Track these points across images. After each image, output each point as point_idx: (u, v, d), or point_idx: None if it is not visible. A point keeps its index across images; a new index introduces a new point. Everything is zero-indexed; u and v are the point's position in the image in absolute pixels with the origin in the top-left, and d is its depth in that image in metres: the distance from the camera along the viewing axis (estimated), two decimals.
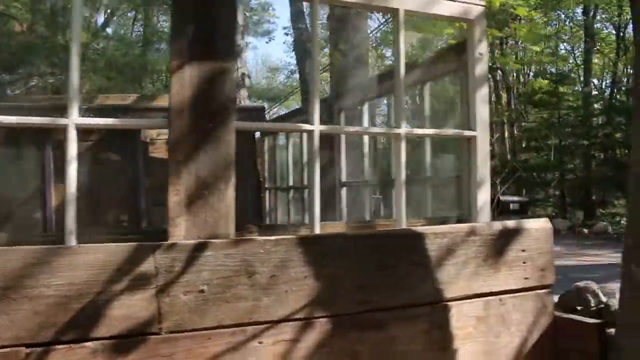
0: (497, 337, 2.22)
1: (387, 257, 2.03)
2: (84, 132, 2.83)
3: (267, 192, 5.63)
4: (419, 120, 3.25)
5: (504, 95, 18.04)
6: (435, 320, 2.09)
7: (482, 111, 2.38)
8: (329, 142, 3.75)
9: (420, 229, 2.12)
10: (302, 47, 11.46)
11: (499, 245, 2.23)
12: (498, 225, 2.24)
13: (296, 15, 11.86)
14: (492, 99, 18.10)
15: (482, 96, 2.39)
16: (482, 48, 2.41)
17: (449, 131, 2.59)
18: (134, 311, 1.71)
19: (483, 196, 2.37)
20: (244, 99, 8.10)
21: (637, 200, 1.88)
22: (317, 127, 2.02)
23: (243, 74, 8.42)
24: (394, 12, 2.20)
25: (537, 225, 2.30)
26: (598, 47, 16.78)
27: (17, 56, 10.65)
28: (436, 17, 2.67)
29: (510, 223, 2.27)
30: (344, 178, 3.91)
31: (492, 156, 18.55)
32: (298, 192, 5.06)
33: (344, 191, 3.89)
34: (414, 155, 3.13)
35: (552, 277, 2.35)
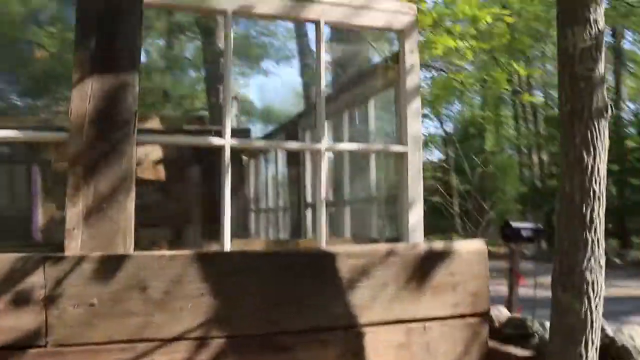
0: None
1: (293, 277, 1.98)
2: None
3: (252, 213, 5.64)
4: (364, 136, 3.20)
5: (531, 119, 17.59)
6: (350, 346, 2.02)
7: (414, 125, 2.31)
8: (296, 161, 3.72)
9: (332, 248, 2.07)
10: None
11: (424, 268, 2.14)
12: (423, 246, 2.17)
13: None
14: (519, 123, 17.65)
15: (413, 110, 2.33)
16: (414, 59, 2.34)
17: (375, 146, 2.53)
18: (20, 323, 1.70)
19: (415, 215, 2.28)
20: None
21: (561, 227, 1.81)
22: (227, 142, 1.99)
23: (234, 97, 8.54)
24: (316, 23, 2.17)
25: (470, 248, 2.20)
26: (631, 70, 16.22)
27: (42, 82, 11.11)
28: (362, 28, 2.63)
29: (438, 244, 2.19)
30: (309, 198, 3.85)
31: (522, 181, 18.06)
32: (272, 212, 5.04)
33: (308, 211, 3.83)
34: (357, 173, 3.07)
35: (486, 304, 2.22)
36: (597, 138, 1.92)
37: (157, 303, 1.86)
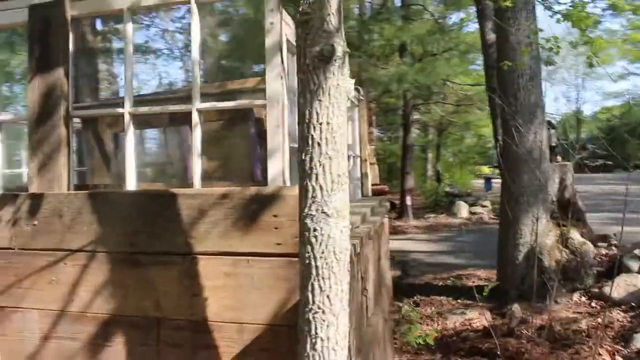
0: (247, 294, 2.46)
1: (149, 212, 2.60)
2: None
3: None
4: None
5: None
6: (187, 269, 2.57)
7: (274, 81, 2.55)
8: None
9: (175, 190, 2.61)
10: None
11: (251, 210, 2.47)
12: (253, 190, 2.48)
13: None
14: None
15: (272, 66, 2.55)
16: (274, 17, 2.55)
17: (242, 102, 2.77)
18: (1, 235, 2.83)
19: (275, 165, 2.56)
20: None
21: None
22: (126, 110, 2.69)
23: None
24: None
25: (295, 192, 2.38)
26: None
27: None
28: None
29: (266, 189, 2.46)
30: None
31: None
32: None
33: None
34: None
35: None
36: (314, 83, 1.90)
37: (67, 226, 2.77)
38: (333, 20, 1.87)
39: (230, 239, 2.53)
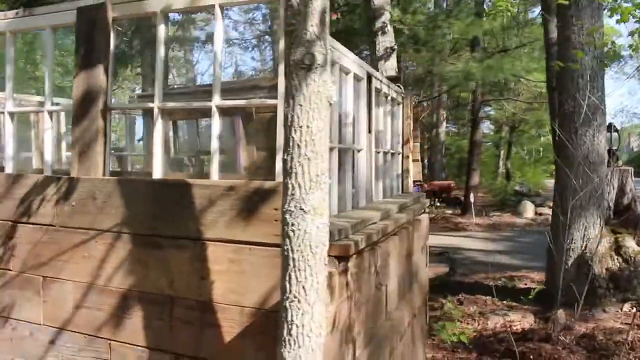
0: (249, 280, 2.67)
1: (166, 199, 2.85)
2: None
3: None
4: None
5: None
6: (197, 253, 2.80)
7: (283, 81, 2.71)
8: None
9: (190, 180, 2.84)
10: None
11: (253, 202, 2.66)
12: (256, 183, 2.66)
13: None
14: None
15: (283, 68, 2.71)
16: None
17: (255, 101, 2.93)
18: (44, 212, 3.19)
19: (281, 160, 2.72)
20: None
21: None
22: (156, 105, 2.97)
23: None
24: (211, 9, 2.85)
25: None
26: None
27: None
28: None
29: (268, 183, 2.64)
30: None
31: None
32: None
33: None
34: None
35: None
36: (296, 89, 2.04)
37: (99, 207, 3.08)
38: (316, 31, 1.99)
39: (234, 228, 2.72)
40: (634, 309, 6.76)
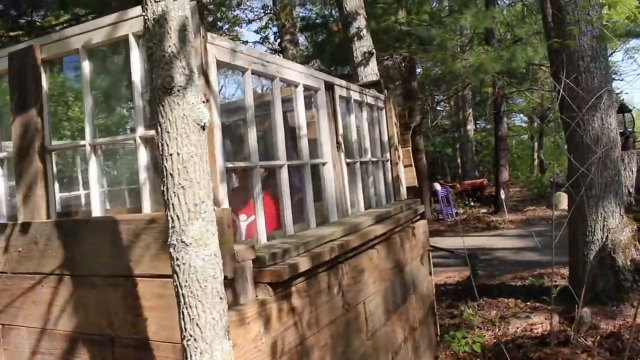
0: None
1: (98, 237, 2.78)
2: None
3: None
4: None
5: None
6: (129, 290, 2.71)
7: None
8: None
9: (116, 216, 2.74)
10: None
11: None
12: None
13: None
14: None
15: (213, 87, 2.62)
16: (195, 42, 2.62)
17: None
18: None
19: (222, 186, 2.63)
20: None
21: None
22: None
23: None
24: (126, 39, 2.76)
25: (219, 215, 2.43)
26: None
27: None
28: None
29: None
30: None
31: None
32: None
33: None
34: None
35: (227, 269, 2.41)
36: (161, 115, 1.93)
37: (41, 251, 3.02)
38: (174, 51, 1.86)
39: (159, 261, 2.60)
40: None
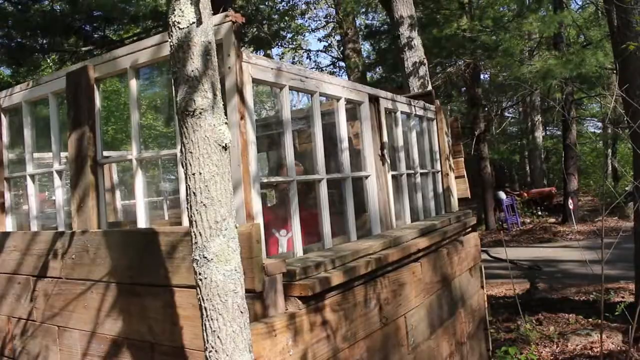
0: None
1: (139, 247, 2.92)
2: None
3: None
4: None
5: None
6: (168, 299, 2.82)
7: (232, 118, 2.72)
8: None
9: (156, 228, 2.85)
10: None
11: None
12: None
13: None
14: None
15: (232, 108, 2.72)
16: (230, 62, 2.73)
17: (163, 152, 2.94)
18: (54, 266, 3.39)
19: (237, 199, 2.71)
20: None
21: None
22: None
23: None
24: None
25: (243, 229, 2.51)
26: None
27: None
28: None
29: None
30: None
31: None
32: None
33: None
34: None
35: (256, 283, 2.48)
36: (185, 136, 2.01)
37: (92, 259, 3.20)
38: (197, 75, 1.93)
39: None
40: None
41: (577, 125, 18.23)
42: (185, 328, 2.74)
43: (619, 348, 5.79)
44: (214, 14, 2.78)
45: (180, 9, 1.97)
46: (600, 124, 23.95)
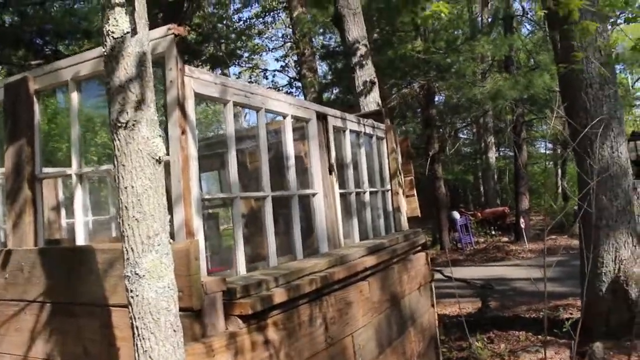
0: None
1: (76, 266, 2.82)
2: None
3: None
4: None
5: None
6: (105, 320, 2.74)
7: (174, 136, 2.68)
8: None
9: (94, 245, 2.77)
10: None
11: None
12: None
13: None
14: None
15: (173, 121, 2.68)
16: (172, 76, 2.69)
17: (103, 167, 2.90)
18: None
19: (178, 217, 2.66)
20: None
21: None
22: None
23: None
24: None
25: (180, 246, 2.46)
26: None
27: None
28: None
29: None
30: None
31: None
32: None
33: None
34: None
35: (194, 301, 2.43)
36: (117, 149, 1.96)
37: (26, 278, 3.06)
38: (130, 86, 1.91)
39: None
40: None
41: (528, 146, 18.96)
42: (122, 349, 2.66)
43: None
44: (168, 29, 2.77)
45: (115, 18, 1.96)
46: (551, 145, 24.91)
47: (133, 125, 1.91)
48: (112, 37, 1.94)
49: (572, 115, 6.89)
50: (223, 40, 15.31)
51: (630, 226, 6.50)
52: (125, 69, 1.92)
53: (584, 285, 7.17)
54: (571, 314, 8.13)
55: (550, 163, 23.74)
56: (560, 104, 16.40)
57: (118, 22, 1.95)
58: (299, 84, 17.48)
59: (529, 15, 15.15)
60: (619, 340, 6.29)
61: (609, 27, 6.84)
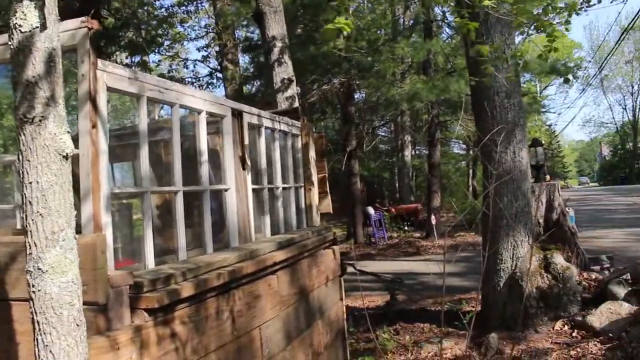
0: None
1: None
2: None
3: None
4: None
5: None
6: (4, 314, 2.67)
7: (84, 130, 2.65)
8: None
9: None
10: None
11: None
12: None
13: None
14: None
15: (84, 115, 2.66)
16: (84, 69, 2.67)
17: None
18: None
19: (86, 211, 2.65)
20: None
21: None
22: None
23: None
24: None
25: (86, 240, 2.46)
26: None
27: None
28: None
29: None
30: None
31: None
32: None
33: None
34: None
35: (99, 295, 2.44)
36: (23, 144, 1.96)
37: None
38: (38, 82, 1.93)
39: None
40: (566, 326, 6.66)
41: (442, 146, 19.91)
42: (22, 344, 2.65)
43: (465, 353, 6.42)
44: (87, 15, 2.75)
45: (23, 12, 1.96)
46: (465, 146, 26.27)
47: (40, 121, 1.93)
48: (20, 30, 1.95)
49: (479, 120, 7.40)
50: (143, 27, 14.87)
51: (527, 226, 7.10)
52: (34, 64, 1.94)
53: (483, 280, 7.76)
54: (473, 307, 8.72)
55: (463, 163, 25.12)
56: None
57: (26, 16, 1.96)
58: (220, 76, 17.33)
59: (446, 21, 15.92)
60: (511, 331, 6.87)
61: (521, 37, 7.39)
